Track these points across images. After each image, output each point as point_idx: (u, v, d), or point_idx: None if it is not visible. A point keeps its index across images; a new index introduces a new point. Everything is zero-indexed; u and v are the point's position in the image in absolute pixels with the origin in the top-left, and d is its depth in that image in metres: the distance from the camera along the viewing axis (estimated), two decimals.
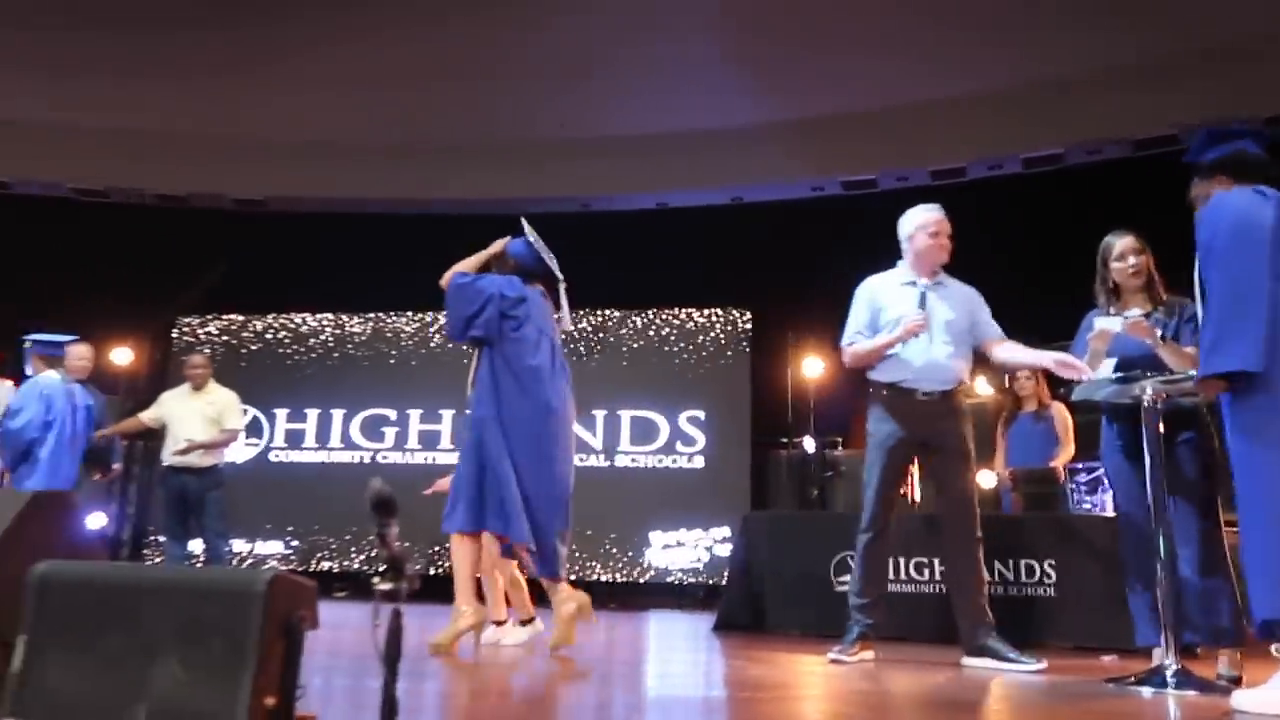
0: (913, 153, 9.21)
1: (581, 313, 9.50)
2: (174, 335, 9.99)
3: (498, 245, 4.03)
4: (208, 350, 9.12)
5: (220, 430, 6.16)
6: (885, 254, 4.08)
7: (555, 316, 4.05)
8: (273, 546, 9.22)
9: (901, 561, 4.99)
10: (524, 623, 4.43)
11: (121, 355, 9.62)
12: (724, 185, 10.05)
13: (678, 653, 4.74)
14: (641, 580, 8.78)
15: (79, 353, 6.07)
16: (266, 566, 1.43)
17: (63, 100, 9.51)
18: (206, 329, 10.00)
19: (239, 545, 8.96)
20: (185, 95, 9.42)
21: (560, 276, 4.04)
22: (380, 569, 1.56)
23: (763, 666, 3.76)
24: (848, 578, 5.39)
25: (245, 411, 7.05)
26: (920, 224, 3.92)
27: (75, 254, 9.43)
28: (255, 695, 1.40)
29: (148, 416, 6.24)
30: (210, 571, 1.53)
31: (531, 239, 4.01)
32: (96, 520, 8.34)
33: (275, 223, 10.30)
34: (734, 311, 9.30)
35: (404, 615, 1.58)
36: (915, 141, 9.11)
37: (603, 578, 8.82)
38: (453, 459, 9.32)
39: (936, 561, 4.86)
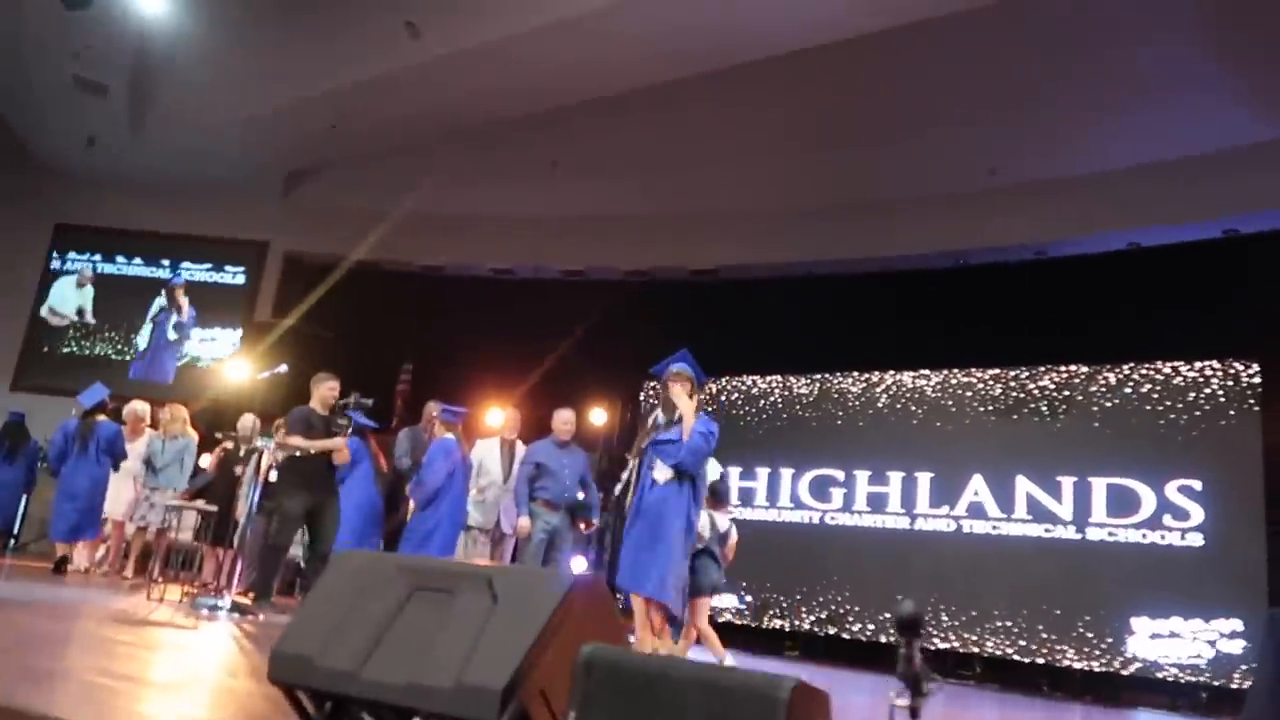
0: None
1: (1042, 369, 8.75)
2: (641, 397, 10.93)
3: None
4: None
5: None
6: None
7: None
8: (727, 600, 9.56)
9: None
10: None
11: (597, 416, 10.76)
12: (1213, 217, 8.74)
13: None
14: (1124, 672, 7.71)
15: (564, 417, 6.83)
16: (785, 676, 1.40)
17: (540, 197, 11.15)
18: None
19: None
20: (638, 182, 10.54)
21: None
22: (901, 686, 1.47)
23: None
24: None
25: None
26: None
27: (560, 327, 10.73)
28: None
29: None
30: (734, 673, 1.53)
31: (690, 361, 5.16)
32: (578, 564, 9.32)
33: (727, 289, 10.92)
34: (1235, 364, 7.93)
35: None
36: None
37: (1075, 665, 7.89)
38: (900, 523, 9.10)
39: None
